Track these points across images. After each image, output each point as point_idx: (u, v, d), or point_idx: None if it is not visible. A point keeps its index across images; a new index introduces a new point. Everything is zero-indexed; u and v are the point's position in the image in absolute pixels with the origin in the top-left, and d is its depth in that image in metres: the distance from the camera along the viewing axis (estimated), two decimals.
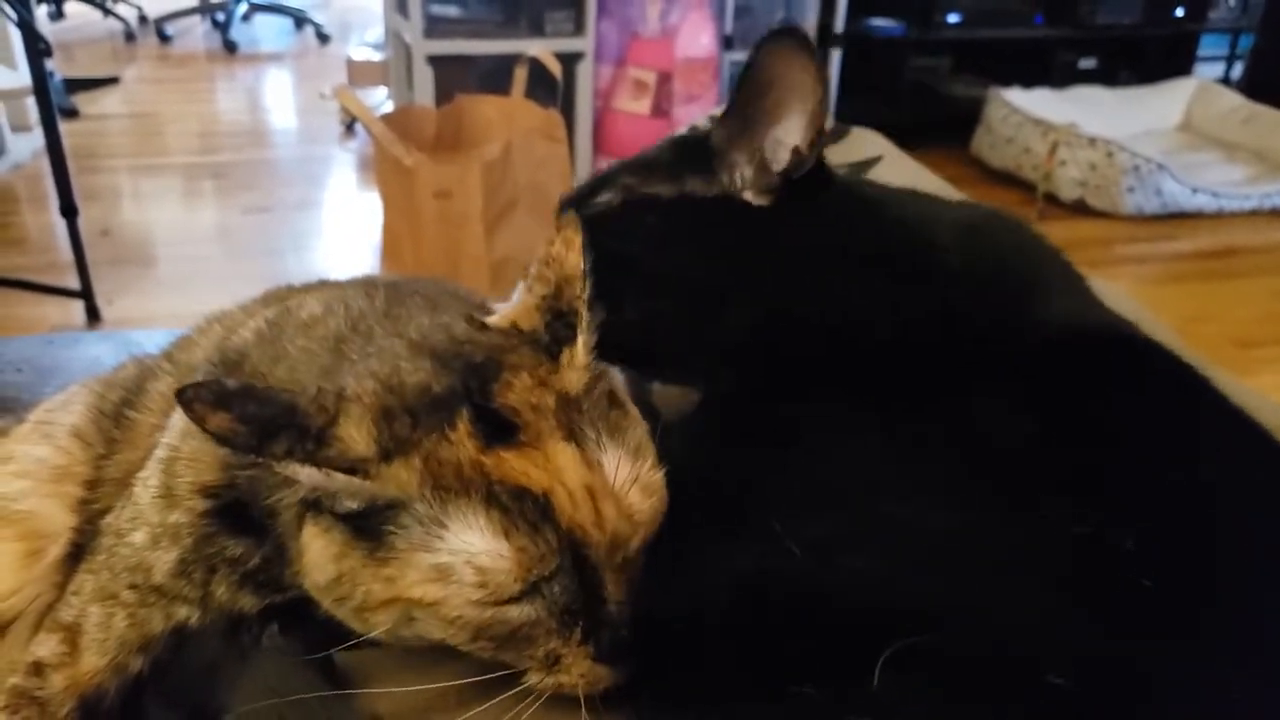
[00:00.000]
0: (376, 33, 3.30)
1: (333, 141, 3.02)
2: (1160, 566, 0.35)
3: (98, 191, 2.49)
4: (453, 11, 2.42)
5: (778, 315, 0.48)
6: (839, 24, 2.68)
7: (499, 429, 0.39)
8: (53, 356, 0.92)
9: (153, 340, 0.68)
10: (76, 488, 0.54)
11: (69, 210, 1.80)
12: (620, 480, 0.40)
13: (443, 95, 2.26)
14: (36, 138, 2.56)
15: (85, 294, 1.85)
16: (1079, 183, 2.55)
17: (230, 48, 3.96)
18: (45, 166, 1.87)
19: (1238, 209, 2.58)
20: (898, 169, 1.02)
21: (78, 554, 0.53)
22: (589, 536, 0.39)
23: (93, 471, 0.55)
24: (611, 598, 0.39)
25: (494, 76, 2.26)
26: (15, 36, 2.41)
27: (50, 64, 1.75)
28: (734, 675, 0.35)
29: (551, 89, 2.02)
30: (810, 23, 2.69)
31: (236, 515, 0.45)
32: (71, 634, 0.48)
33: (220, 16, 4.14)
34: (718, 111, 0.56)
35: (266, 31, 4.34)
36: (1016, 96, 2.74)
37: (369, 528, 0.38)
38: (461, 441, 0.38)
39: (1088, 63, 3.11)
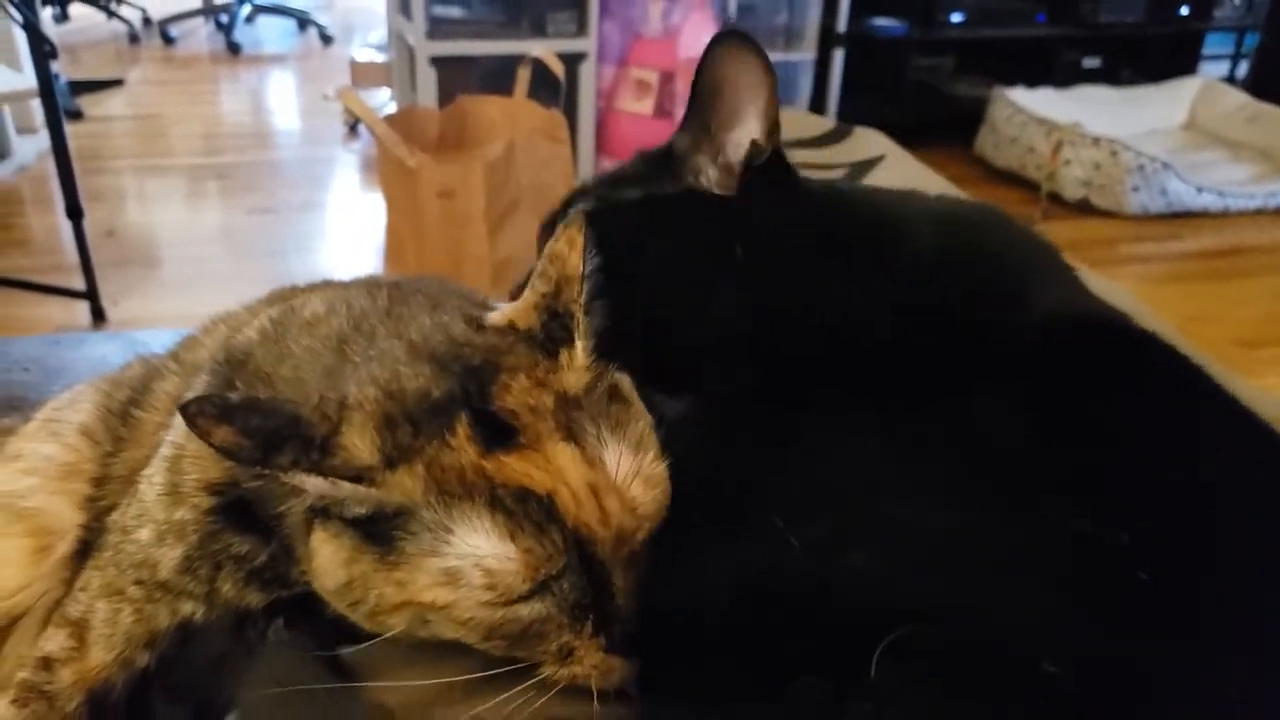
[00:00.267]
0: (379, 34, 3.30)
1: (336, 143, 3.02)
2: (1159, 564, 0.35)
3: (102, 193, 2.50)
4: (455, 13, 2.43)
5: (751, 306, 0.49)
6: (842, 24, 2.68)
7: (498, 432, 0.39)
8: (59, 356, 0.93)
9: (158, 340, 0.68)
10: (84, 485, 0.55)
11: (74, 212, 1.81)
12: (622, 475, 0.40)
13: (445, 96, 2.26)
14: (41, 139, 2.58)
15: (90, 295, 1.86)
16: (1083, 182, 2.55)
17: (234, 49, 3.97)
18: (50, 168, 1.88)
19: (1243, 208, 2.58)
20: (901, 169, 1.02)
21: (85, 551, 0.53)
22: (594, 533, 0.39)
23: (100, 469, 0.56)
24: (620, 591, 0.39)
25: (497, 77, 2.27)
26: (21, 39, 2.43)
27: (55, 66, 1.75)
28: (734, 672, 0.35)
29: (554, 89, 2.03)
30: (813, 23, 2.69)
31: (242, 512, 0.46)
32: (79, 629, 0.49)
33: (224, 18, 4.16)
34: None
35: (270, 33, 4.36)
36: (1020, 96, 2.74)
37: (378, 533, 0.39)
38: (462, 447, 0.39)
39: (1091, 62, 3.10)
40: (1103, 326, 0.48)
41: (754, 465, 0.42)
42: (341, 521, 0.40)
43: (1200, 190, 2.53)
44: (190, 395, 0.50)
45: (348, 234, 2.42)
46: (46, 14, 3.91)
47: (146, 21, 4.22)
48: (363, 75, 3.12)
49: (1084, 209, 2.56)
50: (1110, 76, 3.05)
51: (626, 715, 0.36)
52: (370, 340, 0.44)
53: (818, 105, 2.76)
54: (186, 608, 0.48)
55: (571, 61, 2.38)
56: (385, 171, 1.81)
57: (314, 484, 0.38)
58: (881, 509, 0.38)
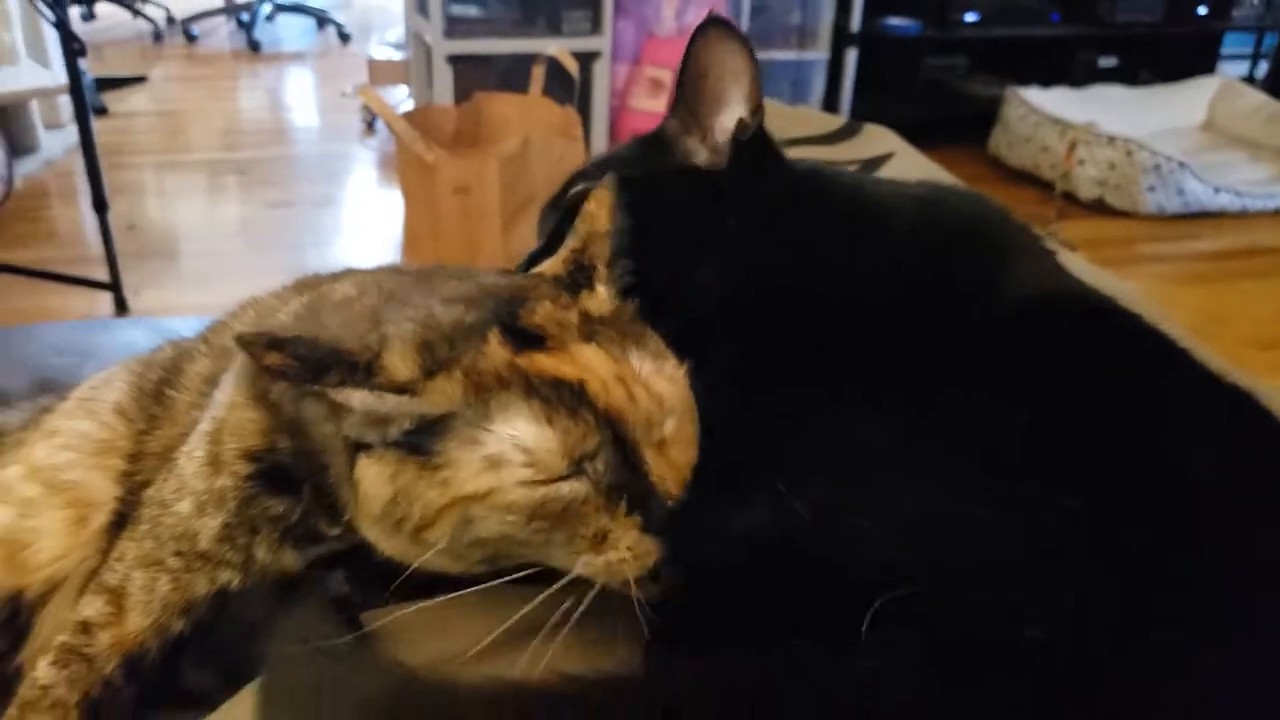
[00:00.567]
0: (397, 33, 3.34)
1: (354, 139, 3.06)
2: (1141, 534, 0.36)
3: (125, 187, 2.55)
4: (472, 12, 2.46)
5: (739, 275, 0.52)
6: (855, 23, 2.68)
7: (527, 340, 0.42)
8: (90, 341, 0.96)
9: (186, 326, 0.71)
10: (119, 460, 0.57)
11: (100, 205, 1.85)
12: (645, 372, 0.43)
13: (462, 93, 2.29)
14: (68, 134, 2.63)
15: (114, 286, 1.90)
16: (1098, 182, 2.53)
17: (254, 47, 4.03)
18: (75, 162, 1.93)
19: (1261, 208, 2.55)
20: (911, 166, 1.02)
21: (120, 523, 0.55)
22: (625, 415, 0.41)
23: (134, 445, 0.58)
24: (653, 471, 0.42)
25: (512, 75, 2.29)
26: (51, 36, 2.48)
27: (82, 63, 1.79)
28: (743, 625, 0.37)
29: (569, 87, 2.05)
30: (826, 22, 2.69)
31: (277, 477, 0.49)
32: (117, 596, 0.51)
33: (245, 17, 4.22)
34: None
35: (289, 31, 4.41)
36: (1034, 95, 2.73)
37: (420, 444, 0.41)
38: (495, 352, 0.42)
39: (1108, 61, 3.08)
40: (1076, 300, 0.50)
41: (754, 437, 0.44)
42: (384, 445, 0.42)
43: (1218, 190, 2.51)
44: (229, 374, 0.53)
45: (365, 228, 2.45)
46: (74, 12, 3.98)
47: (170, 20, 4.28)
48: (380, 73, 3.16)
49: (1099, 209, 2.55)
50: (1127, 76, 3.03)
51: (638, 667, 0.38)
52: (403, 306, 0.46)
53: (831, 104, 2.76)
54: (224, 576, 0.50)
55: (586, 60, 2.40)
56: (403, 167, 1.84)
57: (360, 398, 0.41)
58: (870, 478, 0.40)
